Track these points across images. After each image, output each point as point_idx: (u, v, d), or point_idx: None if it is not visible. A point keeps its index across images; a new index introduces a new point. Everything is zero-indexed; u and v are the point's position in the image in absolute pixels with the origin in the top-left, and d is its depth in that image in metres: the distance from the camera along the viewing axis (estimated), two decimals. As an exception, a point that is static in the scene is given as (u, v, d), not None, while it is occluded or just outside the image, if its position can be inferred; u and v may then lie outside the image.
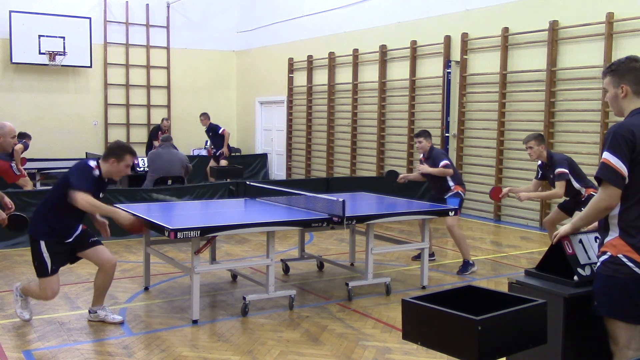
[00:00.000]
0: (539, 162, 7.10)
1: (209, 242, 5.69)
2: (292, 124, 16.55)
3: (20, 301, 5.37)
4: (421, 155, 7.76)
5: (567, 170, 6.82)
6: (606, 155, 3.06)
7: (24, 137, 11.69)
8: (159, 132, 14.20)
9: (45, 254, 5.06)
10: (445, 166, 7.38)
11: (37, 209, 5.25)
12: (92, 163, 5.19)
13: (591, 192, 6.97)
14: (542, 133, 7.08)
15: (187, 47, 17.97)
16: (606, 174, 3.05)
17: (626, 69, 3.20)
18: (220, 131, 13.54)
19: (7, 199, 5.51)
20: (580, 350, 3.27)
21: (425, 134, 7.57)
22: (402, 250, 7.83)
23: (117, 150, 5.20)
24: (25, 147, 11.37)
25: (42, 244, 5.06)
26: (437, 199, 7.50)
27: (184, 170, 10.30)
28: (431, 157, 7.51)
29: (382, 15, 13.52)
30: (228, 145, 13.74)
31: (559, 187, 6.82)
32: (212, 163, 13.75)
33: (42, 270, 5.09)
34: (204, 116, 13.83)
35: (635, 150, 3.04)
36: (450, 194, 7.44)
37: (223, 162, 13.45)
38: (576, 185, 6.89)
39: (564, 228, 3.38)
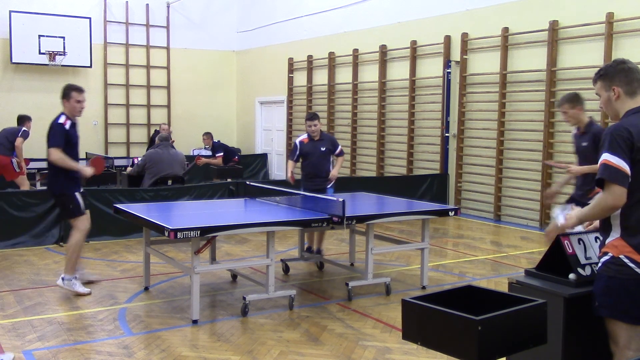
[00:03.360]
0: (575, 130, 6.20)
1: (209, 242, 5.70)
2: (292, 124, 16.54)
3: (76, 282, 6.20)
4: (304, 136, 7.76)
5: None
6: (606, 156, 3.01)
7: (24, 120, 11.24)
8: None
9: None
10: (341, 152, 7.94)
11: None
12: (61, 119, 6.14)
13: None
14: (578, 94, 6.21)
15: (187, 47, 17.96)
16: (608, 173, 2.99)
17: (615, 71, 3.21)
18: (217, 155, 12.86)
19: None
20: (581, 350, 3.27)
21: (318, 116, 7.72)
22: (402, 250, 7.83)
23: (65, 91, 6.26)
24: (26, 136, 10.92)
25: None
26: (320, 189, 7.57)
27: (183, 170, 10.28)
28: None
29: (382, 15, 13.51)
30: (209, 158, 13.04)
31: None
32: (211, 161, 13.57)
33: (79, 210, 6.27)
34: (207, 135, 13.38)
35: (633, 149, 3.01)
36: (330, 184, 7.80)
37: (202, 160, 12.95)
38: None
39: (568, 216, 3.28)
